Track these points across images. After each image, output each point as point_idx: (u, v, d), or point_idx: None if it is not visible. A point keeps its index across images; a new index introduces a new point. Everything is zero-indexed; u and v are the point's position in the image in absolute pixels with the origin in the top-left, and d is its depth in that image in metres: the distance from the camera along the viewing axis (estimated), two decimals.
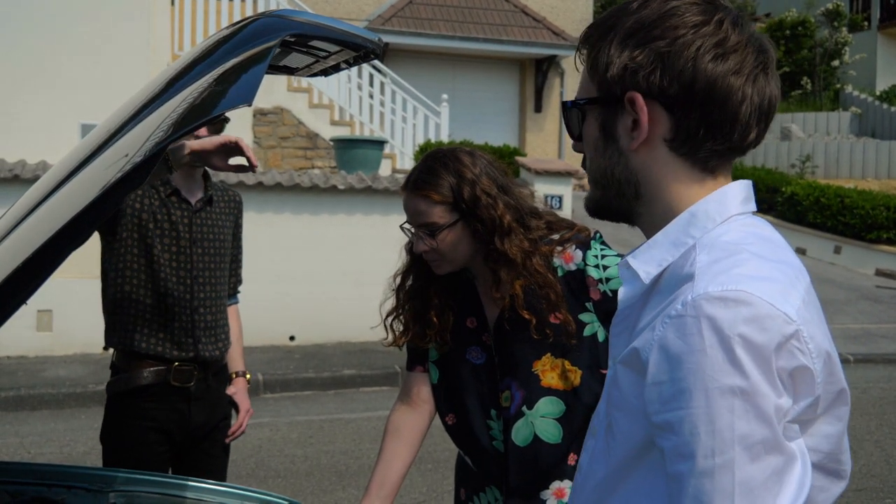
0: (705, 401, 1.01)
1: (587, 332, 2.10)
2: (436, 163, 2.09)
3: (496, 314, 2.16)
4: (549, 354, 2.10)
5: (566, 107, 1.26)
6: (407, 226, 2.14)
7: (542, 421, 2.11)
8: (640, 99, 1.17)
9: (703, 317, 1.03)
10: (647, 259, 1.19)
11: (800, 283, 1.13)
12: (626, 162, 1.21)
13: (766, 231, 1.19)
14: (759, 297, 1.04)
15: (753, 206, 1.22)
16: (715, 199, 1.18)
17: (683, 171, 1.19)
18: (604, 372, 2.06)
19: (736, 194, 1.20)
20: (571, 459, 2.13)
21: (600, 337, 2.09)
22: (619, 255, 2.07)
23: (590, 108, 1.23)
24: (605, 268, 2.07)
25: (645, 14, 1.18)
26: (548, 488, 2.14)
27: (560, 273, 2.11)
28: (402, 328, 2.24)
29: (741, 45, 1.16)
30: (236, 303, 3.33)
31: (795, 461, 1.03)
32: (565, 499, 2.13)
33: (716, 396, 1.01)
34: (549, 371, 2.10)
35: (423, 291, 2.21)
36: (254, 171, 2.72)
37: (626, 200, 1.24)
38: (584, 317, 2.10)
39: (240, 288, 3.33)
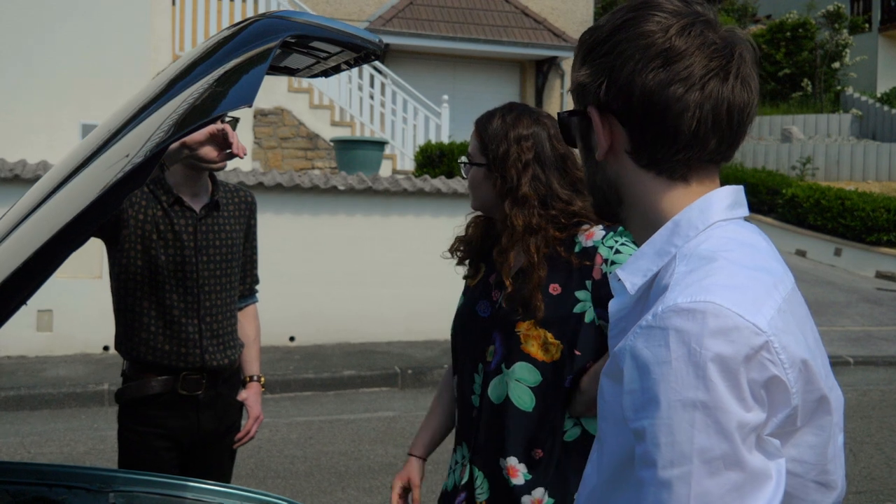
0: (667, 412, 1.02)
1: (577, 309, 2.13)
2: (502, 111, 2.25)
3: (514, 272, 2.23)
4: (532, 322, 2.13)
5: (560, 118, 1.30)
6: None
7: (516, 385, 2.14)
8: (594, 114, 1.20)
9: (671, 329, 1.04)
10: (634, 270, 1.20)
11: (777, 292, 1.12)
12: (604, 171, 1.24)
13: (749, 237, 1.18)
14: (728, 308, 1.03)
15: (743, 212, 1.21)
16: (698, 206, 1.18)
17: (650, 180, 1.20)
18: (578, 353, 2.11)
19: (720, 200, 1.19)
20: (538, 454, 2.13)
21: (587, 318, 2.11)
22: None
23: (574, 120, 1.27)
24: (616, 251, 2.12)
25: (603, 30, 1.20)
26: (506, 458, 2.14)
27: (577, 249, 2.16)
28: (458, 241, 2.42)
29: (688, 52, 1.14)
30: (255, 302, 3.29)
31: (765, 480, 1.02)
32: (515, 479, 2.12)
33: (678, 409, 1.01)
34: (530, 338, 2.14)
35: (474, 221, 2.39)
36: (241, 157, 2.75)
37: (611, 206, 1.27)
38: (580, 294, 2.13)
39: (257, 287, 3.30)
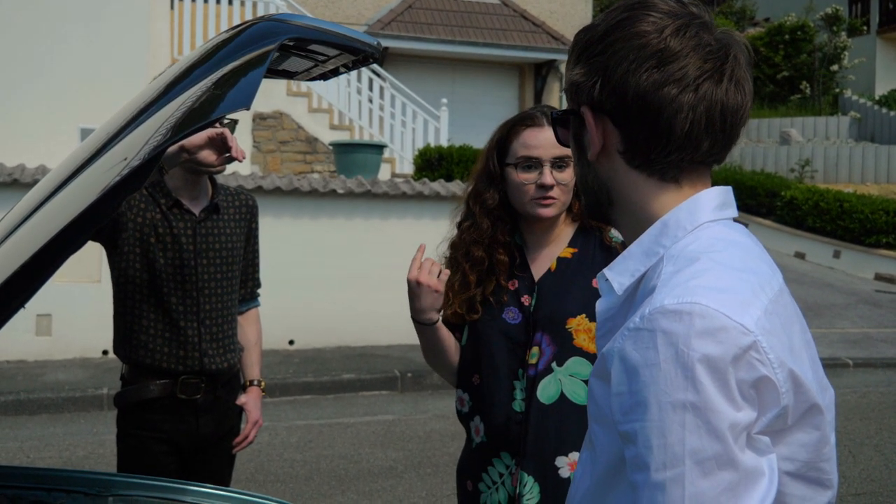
0: (658, 414, 1.02)
1: None
2: None
3: (542, 273, 2.25)
4: (584, 315, 2.16)
5: (551, 118, 1.32)
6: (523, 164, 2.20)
7: (570, 380, 2.15)
8: (588, 113, 1.20)
9: (658, 330, 1.04)
10: (622, 270, 1.20)
11: (763, 293, 1.12)
12: (595, 172, 1.24)
13: (737, 237, 1.18)
14: (714, 309, 1.04)
15: (732, 212, 1.22)
16: (686, 207, 1.18)
17: (642, 181, 1.20)
18: None
19: (709, 201, 1.19)
20: None
21: None
22: None
23: (568, 119, 1.28)
24: None
25: (598, 29, 1.20)
26: (566, 455, 2.14)
27: (616, 241, 2.24)
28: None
29: (683, 53, 1.14)
30: (257, 306, 3.28)
31: (758, 477, 1.02)
32: None
33: (668, 410, 1.01)
34: (582, 332, 2.16)
35: (458, 263, 2.31)
36: (240, 161, 2.75)
37: (602, 207, 1.27)
38: None
39: (259, 291, 3.29)
